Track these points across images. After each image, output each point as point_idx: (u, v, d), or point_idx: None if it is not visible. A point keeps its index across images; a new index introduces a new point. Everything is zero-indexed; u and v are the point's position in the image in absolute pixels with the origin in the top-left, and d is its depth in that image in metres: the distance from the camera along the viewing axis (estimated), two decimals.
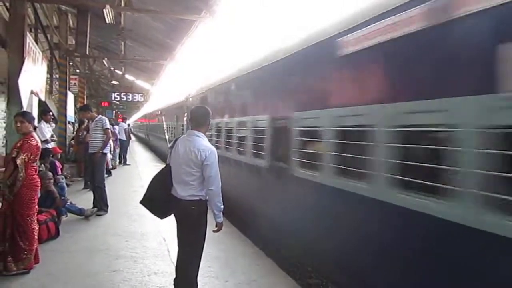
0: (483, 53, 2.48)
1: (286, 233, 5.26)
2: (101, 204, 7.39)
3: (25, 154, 4.31)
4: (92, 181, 7.63)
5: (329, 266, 4.32)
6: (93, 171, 7.56)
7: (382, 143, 3.27)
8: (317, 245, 4.48)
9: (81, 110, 8.26)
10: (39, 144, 4.60)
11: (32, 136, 4.47)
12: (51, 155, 8.02)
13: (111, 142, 9.08)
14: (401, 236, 3.17)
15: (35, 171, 4.56)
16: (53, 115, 11.25)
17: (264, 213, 5.95)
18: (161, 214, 3.83)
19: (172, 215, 3.69)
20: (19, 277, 4.28)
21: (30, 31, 9.93)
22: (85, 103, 19.03)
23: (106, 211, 7.41)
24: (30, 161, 4.38)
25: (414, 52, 3.07)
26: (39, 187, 4.70)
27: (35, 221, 4.60)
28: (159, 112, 22.16)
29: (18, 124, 4.46)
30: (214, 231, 3.60)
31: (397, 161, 3.11)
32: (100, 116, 7.91)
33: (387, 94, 3.36)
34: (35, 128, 4.74)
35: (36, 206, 4.64)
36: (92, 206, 7.32)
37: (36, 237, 4.56)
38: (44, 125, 9.45)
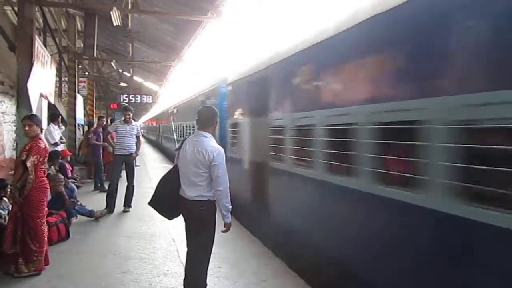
0: None
1: None
2: (130, 201, 7.86)
3: (35, 156, 4.33)
4: (113, 182, 7.73)
5: None
6: (128, 170, 7.92)
7: None
8: None
9: (126, 109, 8.04)
10: (47, 146, 4.63)
11: (40, 139, 4.50)
12: (60, 158, 8.07)
13: None
14: None
15: (44, 173, 4.59)
16: (62, 117, 11.36)
17: None
18: (169, 215, 3.83)
19: (181, 216, 3.68)
20: (30, 279, 4.30)
21: (39, 34, 9.99)
22: (94, 105, 19.24)
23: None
24: (39, 164, 4.40)
25: None
26: (49, 189, 4.72)
27: (45, 223, 4.63)
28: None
29: (27, 128, 4.45)
30: (222, 232, 3.58)
31: None
32: (135, 122, 8.17)
33: None
34: (41, 130, 4.77)
35: (46, 208, 4.68)
36: (105, 206, 7.38)
37: (46, 239, 4.58)
38: (53, 128, 9.52)
